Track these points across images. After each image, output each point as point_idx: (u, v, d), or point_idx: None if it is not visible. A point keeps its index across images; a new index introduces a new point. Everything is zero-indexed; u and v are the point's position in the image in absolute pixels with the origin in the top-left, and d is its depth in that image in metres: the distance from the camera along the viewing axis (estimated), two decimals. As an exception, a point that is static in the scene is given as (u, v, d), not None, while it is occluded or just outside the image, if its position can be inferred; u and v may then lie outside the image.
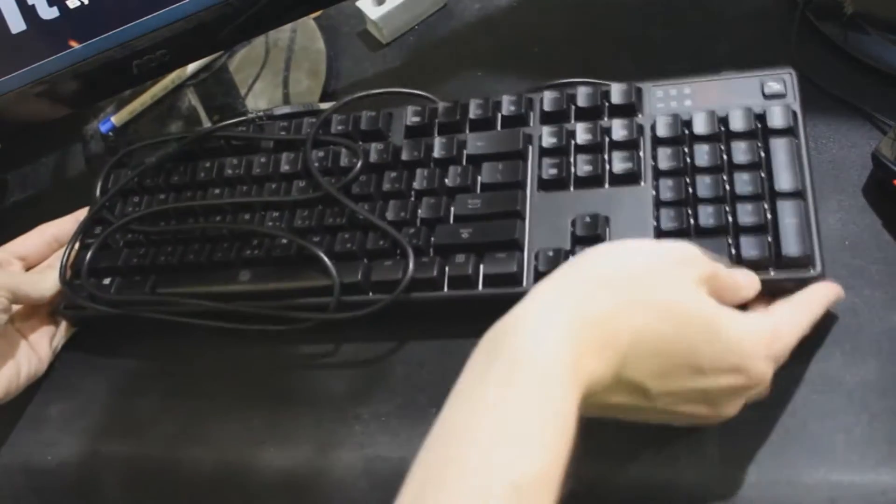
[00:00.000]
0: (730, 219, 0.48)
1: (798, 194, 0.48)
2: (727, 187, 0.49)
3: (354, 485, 0.50)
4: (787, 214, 0.47)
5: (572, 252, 0.50)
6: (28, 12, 0.57)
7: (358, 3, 0.72)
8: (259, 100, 0.71)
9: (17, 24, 0.58)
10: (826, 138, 0.54)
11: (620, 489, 0.45)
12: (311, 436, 0.52)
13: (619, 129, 0.53)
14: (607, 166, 0.53)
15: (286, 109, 0.64)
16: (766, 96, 0.52)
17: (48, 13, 0.57)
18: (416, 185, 0.56)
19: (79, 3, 0.57)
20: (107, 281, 0.60)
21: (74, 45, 0.59)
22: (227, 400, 0.56)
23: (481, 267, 0.52)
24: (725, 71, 0.54)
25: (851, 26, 0.57)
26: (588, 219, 0.51)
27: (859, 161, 0.52)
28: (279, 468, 0.52)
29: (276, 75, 0.72)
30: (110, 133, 0.74)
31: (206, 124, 0.72)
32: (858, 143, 0.53)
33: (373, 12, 0.70)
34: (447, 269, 0.52)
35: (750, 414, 0.45)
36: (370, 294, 0.53)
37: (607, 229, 0.51)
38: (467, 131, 0.57)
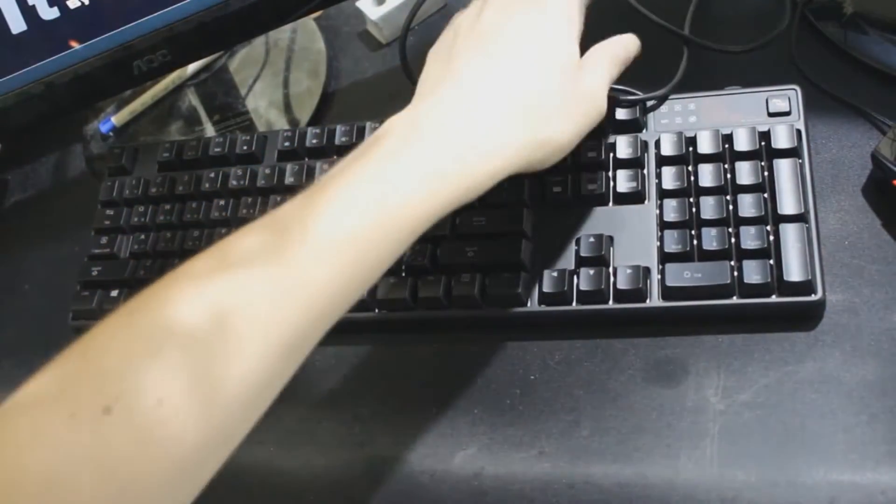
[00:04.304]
0: (732, 241, 0.48)
1: (801, 217, 0.48)
2: (731, 209, 0.49)
3: (354, 485, 0.50)
4: (790, 239, 0.47)
5: (576, 273, 0.51)
6: (28, 12, 0.57)
7: (358, 3, 0.72)
8: (259, 100, 0.71)
9: (17, 24, 0.58)
10: (826, 138, 0.54)
11: (619, 488, 0.45)
12: (311, 436, 0.52)
13: (623, 147, 0.53)
14: (612, 184, 0.53)
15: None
16: (770, 114, 0.52)
17: (48, 13, 0.57)
18: None
19: (79, 4, 0.57)
20: (115, 293, 0.60)
21: (75, 45, 0.59)
22: (227, 400, 0.56)
23: (486, 287, 0.52)
24: (729, 86, 0.54)
25: (851, 26, 0.57)
26: (592, 239, 0.51)
27: (859, 161, 0.52)
28: (279, 468, 0.52)
29: (276, 75, 0.72)
30: (110, 133, 0.74)
31: (207, 124, 0.72)
32: (858, 143, 0.53)
33: (373, 12, 0.71)
34: (452, 288, 0.52)
35: (750, 414, 0.45)
36: (375, 311, 0.54)
37: (611, 249, 0.51)
38: None
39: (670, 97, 0.55)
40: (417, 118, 0.42)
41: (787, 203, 0.48)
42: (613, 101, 0.55)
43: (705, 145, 0.52)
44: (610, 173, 0.53)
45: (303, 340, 0.38)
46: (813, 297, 0.46)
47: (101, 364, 0.34)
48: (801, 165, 0.50)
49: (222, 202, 0.61)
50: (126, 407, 0.33)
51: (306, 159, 0.61)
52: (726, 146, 0.51)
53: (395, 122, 0.43)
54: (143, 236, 0.61)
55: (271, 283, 0.37)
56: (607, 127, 0.55)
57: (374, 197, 0.39)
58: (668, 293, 0.48)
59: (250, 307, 0.36)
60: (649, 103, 0.55)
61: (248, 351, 0.36)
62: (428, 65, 0.47)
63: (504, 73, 0.44)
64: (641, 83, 0.55)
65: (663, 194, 0.51)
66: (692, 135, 0.52)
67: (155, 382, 0.34)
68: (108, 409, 0.33)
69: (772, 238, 0.48)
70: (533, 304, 0.51)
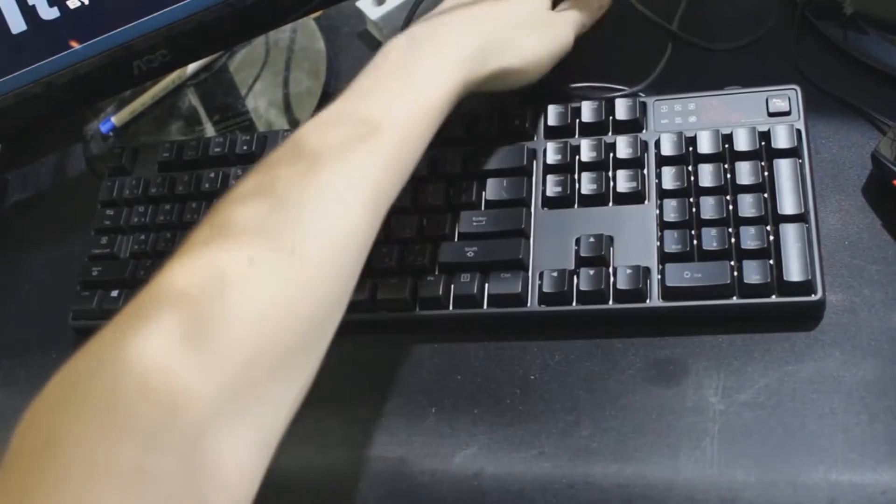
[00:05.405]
0: (732, 241, 0.48)
1: (801, 217, 0.48)
2: (730, 209, 0.49)
3: (354, 485, 0.50)
4: (790, 239, 0.47)
5: (576, 273, 0.51)
6: (28, 12, 0.57)
7: (358, 3, 0.72)
8: (259, 100, 0.71)
9: (17, 24, 0.58)
10: (826, 138, 0.54)
11: (619, 488, 0.45)
12: (311, 436, 0.52)
13: (623, 147, 0.53)
14: (612, 184, 0.53)
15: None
16: (770, 114, 0.52)
17: (48, 13, 0.57)
18: (421, 200, 0.56)
19: (79, 4, 0.57)
20: (115, 293, 0.60)
21: (75, 45, 0.59)
22: (227, 400, 0.56)
23: (486, 286, 0.52)
24: (729, 86, 0.54)
25: (851, 26, 0.57)
26: (592, 239, 0.51)
27: (859, 161, 0.52)
28: (279, 468, 0.52)
29: (276, 75, 0.72)
30: (111, 133, 0.74)
31: (207, 124, 0.72)
32: (858, 143, 0.53)
33: (373, 12, 0.70)
34: (452, 287, 0.52)
35: (750, 414, 0.45)
36: (376, 312, 0.54)
37: (611, 249, 0.51)
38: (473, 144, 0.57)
39: (670, 97, 0.54)
40: (414, 37, 0.51)
41: (787, 203, 0.48)
42: (606, 99, 0.55)
43: (705, 145, 0.52)
44: (610, 173, 0.53)
45: (385, 199, 0.45)
46: (813, 298, 0.46)
47: (275, 211, 0.41)
48: (801, 165, 0.50)
49: (222, 202, 0.60)
50: (304, 248, 0.40)
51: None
52: (726, 146, 0.51)
53: (395, 42, 0.50)
54: (143, 236, 0.61)
55: (357, 151, 0.44)
56: (607, 127, 0.55)
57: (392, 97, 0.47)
58: (668, 293, 0.49)
59: (349, 168, 0.43)
60: (649, 103, 0.55)
61: (351, 202, 0.43)
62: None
63: (486, 6, 0.53)
64: (640, 82, 0.55)
65: (663, 194, 0.51)
66: (692, 135, 0.52)
67: (312, 229, 0.41)
68: (293, 250, 0.40)
69: (772, 238, 0.48)
70: (533, 304, 0.51)
